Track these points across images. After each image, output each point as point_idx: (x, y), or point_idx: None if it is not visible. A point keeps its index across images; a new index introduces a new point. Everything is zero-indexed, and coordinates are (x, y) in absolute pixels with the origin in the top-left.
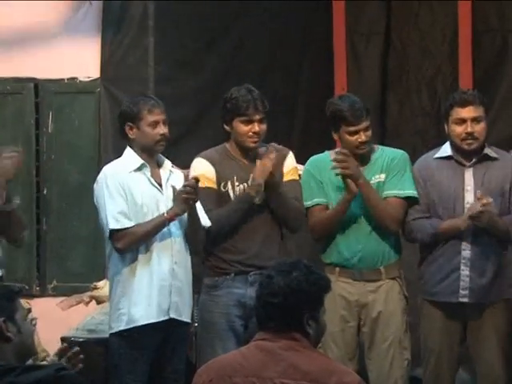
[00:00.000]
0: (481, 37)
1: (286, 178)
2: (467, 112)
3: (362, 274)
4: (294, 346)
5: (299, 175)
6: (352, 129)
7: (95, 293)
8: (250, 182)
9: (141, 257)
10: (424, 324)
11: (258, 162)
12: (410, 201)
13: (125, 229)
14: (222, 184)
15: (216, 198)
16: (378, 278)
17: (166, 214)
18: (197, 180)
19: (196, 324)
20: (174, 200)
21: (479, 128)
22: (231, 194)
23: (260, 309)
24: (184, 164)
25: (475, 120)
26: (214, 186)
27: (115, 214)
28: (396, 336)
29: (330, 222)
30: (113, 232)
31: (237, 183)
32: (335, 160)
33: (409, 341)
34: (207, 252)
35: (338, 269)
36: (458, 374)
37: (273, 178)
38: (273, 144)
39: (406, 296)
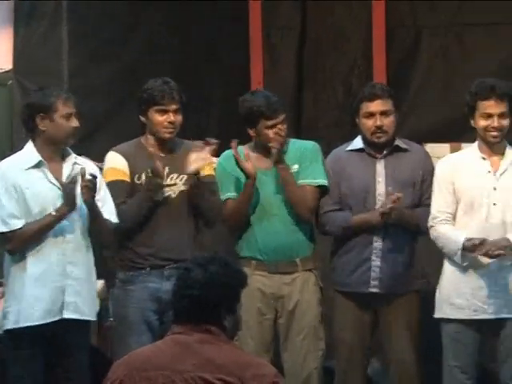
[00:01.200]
0: (394, 32)
1: (202, 173)
2: (376, 106)
3: (277, 267)
4: (209, 339)
5: (214, 169)
6: (270, 122)
7: None
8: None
9: (30, 257)
10: (337, 315)
11: (193, 154)
12: (322, 190)
13: (14, 230)
14: (136, 176)
15: (129, 191)
16: (293, 270)
17: (53, 213)
18: (94, 176)
19: (111, 318)
20: (63, 198)
21: (388, 121)
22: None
23: (177, 302)
24: (98, 157)
25: (384, 114)
26: (127, 178)
27: (4, 216)
28: (311, 327)
29: (237, 211)
30: (1, 234)
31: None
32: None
33: (324, 332)
34: (120, 246)
35: (254, 262)
36: (369, 363)
37: (198, 172)
38: (195, 142)
39: (322, 287)
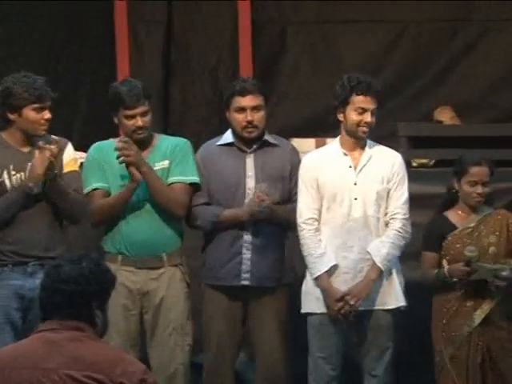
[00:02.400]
0: (260, 27)
1: (65, 170)
2: (247, 101)
3: (144, 262)
4: (79, 336)
5: (81, 164)
6: (129, 112)
7: None
8: (27, 172)
9: None
10: (207, 309)
11: (37, 153)
12: (194, 187)
13: None
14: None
15: None
16: (160, 265)
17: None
18: None
19: None
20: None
21: (259, 116)
22: (7, 183)
23: (47, 298)
24: None
25: (255, 109)
26: None
27: None
28: (178, 323)
29: (111, 208)
30: None
31: (13, 172)
32: (116, 148)
33: (191, 327)
34: None
35: (120, 257)
36: (238, 357)
37: (52, 169)
38: (53, 136)
39: (188, 283)
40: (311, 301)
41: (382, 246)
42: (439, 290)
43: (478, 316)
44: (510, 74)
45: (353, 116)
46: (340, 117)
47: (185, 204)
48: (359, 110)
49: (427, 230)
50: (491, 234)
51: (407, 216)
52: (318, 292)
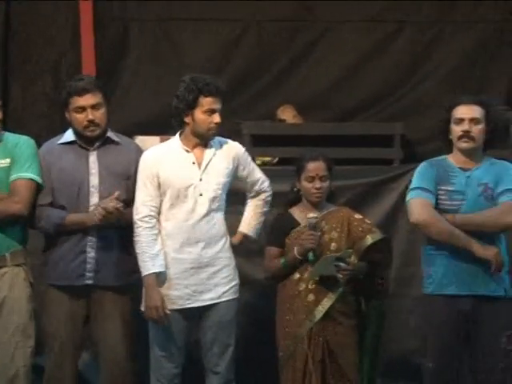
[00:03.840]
0: (103, 25)
1: None
2: (86, 100)
3: None
4: None
5: None
6: None
7: None
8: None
9: None
10: (49, 310)
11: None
12: (36, 186)
13: None
14: None
15: None
16: (2, 264)
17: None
18: None
19: None
20: None
21: (99, 114)
22: None
23: None
24: None
25: (95, 107)
26: None
27: None
28: (20, 324)
29: None
30: None
31: None
32: None
33: (33, 328)
34: None
35: None
36: (80, 357)
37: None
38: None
39: (32, 283)
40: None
41: (255, 220)
42: (283, 287)
43: (319, 312)
44: (349, 74)
45: (202, 117)
46: (187, 119)
47: (26, 201)
48: (209, 111)
49: (272, 226)
50: (333, 230)
51: (270, 193)
52: (164, 289)
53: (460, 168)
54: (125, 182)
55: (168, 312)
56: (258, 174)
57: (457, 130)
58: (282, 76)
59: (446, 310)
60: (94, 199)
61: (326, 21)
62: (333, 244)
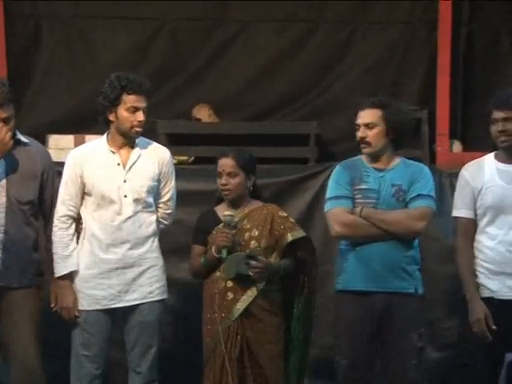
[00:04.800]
0: (14, 22)
1: None
2: None
3: None
4: None
5: None
6: None
7: None
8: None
9: None
10: None
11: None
12: None
13: None
14: None
15: None
16: None
17: None
18: None
19: None
20: None
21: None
22: None
23: None
24: None
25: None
26: None
27: None
28: None
29: None
30: None
31: None
32: None
33: None
34: None
35: None
36: None
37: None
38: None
39: None
40: (81, 298)
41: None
42: (206, 285)
43: (237, 310)
44: (264, 73)
45: (125, 115)
46: (111, 116)
47: None
48: (132, 109)
49: (196, 224)
50: (254, 227)
51: (169, 212)
52: (84, 289)
53: (374, 168)
54: (32, 183)
55: (77, 315)
56: (170, 195)
57: (357, 135)
58: (197, 75)
59: (357, 307)
60: (2, 199)
61: (240, 20)
62: (252, 242)
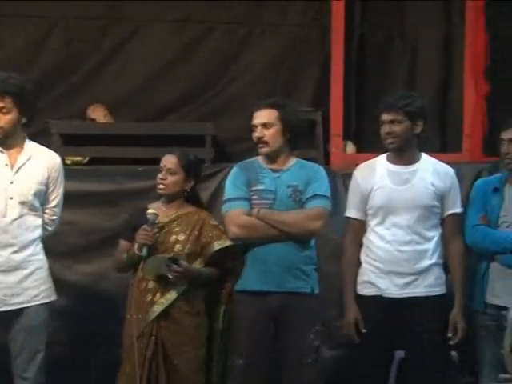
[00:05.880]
0: None
1: None
2: None
3: None
4: None
5: None
6: None
7: None
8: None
9: None
10: None
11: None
12: None
13: None
14: None
15: None
16: None
17: None
18: None
19: None
20: None
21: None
22: None
23: None
24: None
25: None
26: None
27: None
28: None
29: None
30: None
31: None
32: None
33: None
34: None
35: None
36: None
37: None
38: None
39: None
40: None
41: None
42: (131, 285)
43: (153, 312)
44: (159, 73)
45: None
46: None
47: None
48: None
49: (126, 220)
50: (182, 232)
51: (54, 218)
52: None
53: (270, 169)
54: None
55: None
56: (58, 201)
57: (254, 136)
58: (91, 75)
59: (254, 307)
60: None
61: (136, 20)
62: (177, 246)
